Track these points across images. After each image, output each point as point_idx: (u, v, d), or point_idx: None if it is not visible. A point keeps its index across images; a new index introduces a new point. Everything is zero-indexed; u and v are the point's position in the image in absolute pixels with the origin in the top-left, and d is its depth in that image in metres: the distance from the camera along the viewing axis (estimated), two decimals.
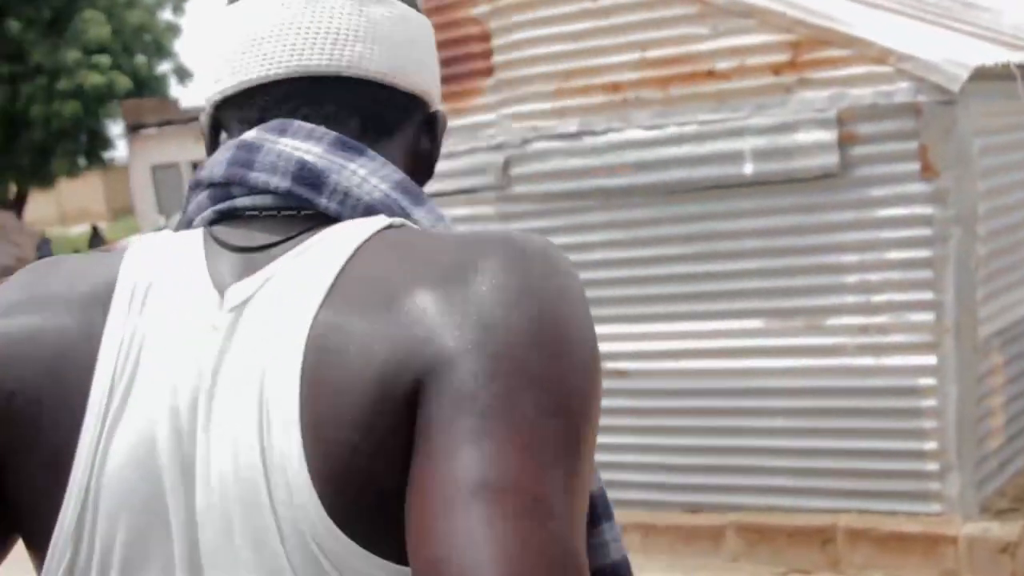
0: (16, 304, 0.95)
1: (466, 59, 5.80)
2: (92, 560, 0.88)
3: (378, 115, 1.04)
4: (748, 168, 5.15)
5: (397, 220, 0.95)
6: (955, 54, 4.81)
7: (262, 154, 0.97)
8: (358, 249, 0.89)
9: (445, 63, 5.81)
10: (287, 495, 0.82)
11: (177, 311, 0.92)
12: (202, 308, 0.91)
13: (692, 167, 5.29)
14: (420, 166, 1.10)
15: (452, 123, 5.92)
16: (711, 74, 5.22)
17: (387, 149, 1.04)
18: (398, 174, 1.00)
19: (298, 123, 0.99)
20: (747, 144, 5.14)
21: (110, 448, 0.88)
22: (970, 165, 4.81)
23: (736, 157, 5.18)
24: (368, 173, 0.98)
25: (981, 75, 4.73)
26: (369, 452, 0.82)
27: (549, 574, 0.73)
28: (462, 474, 0.76)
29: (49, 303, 0.94)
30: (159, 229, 6.04)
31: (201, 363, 0.88)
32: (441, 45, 5.26)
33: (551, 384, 0.82)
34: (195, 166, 22.96)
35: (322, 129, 0.99)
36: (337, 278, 0.87)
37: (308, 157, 0.96)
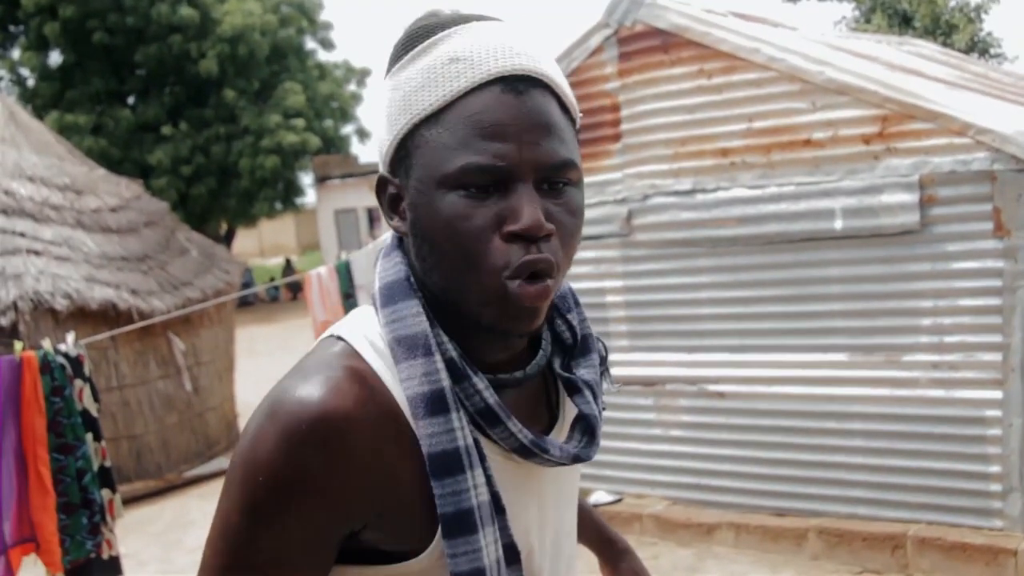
0: None
1: (599, 127, 5.77)
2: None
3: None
4: (838, 224, 4.99)
5: (345, 333, 1.05)
6: None
7: None
8: None
9: (581, 130, 5.79)
10: None
11: None
12: None
13: (789, 222, 5.16)
14: (415, 239, 1.04)
15: (585, 180, 5.90)
16: (808, 142, 5.09)
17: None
18: (388, 278, 1.06)
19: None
20: (837, 203, 4.99)
21: None
22: None
23: (828, 214, 5.03)
24: (377, 273, 1.08)
25: None
26: None
27: None
28: None
29: None
30: (341, 261, 6.12)
31: None
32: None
33: (223, 494, 1.01)
34: (370, 212, 23.48)
35: (392, 234, 1.11)
36: None
37: (380, 257, 1.11)
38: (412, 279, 1.05)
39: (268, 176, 23.18)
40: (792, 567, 5.14)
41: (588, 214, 5.83)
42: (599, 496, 5.81)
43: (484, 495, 1.00)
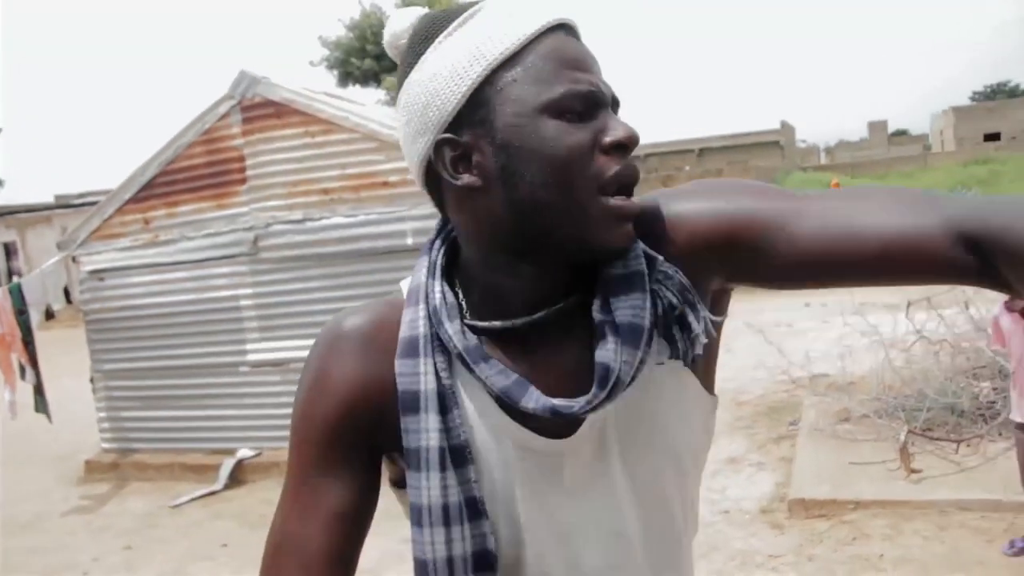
0: None
1: (228, 172, 7.55)
2: None
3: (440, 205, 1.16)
4: (409, 240, 7.19)
5: (403, 283, 1.18)
6: None
7: None
8: None
9: (214, 175, 7.58)
10: None
11: None
12: None
13: (374, 240, 7.24)
14: (502, 181, 1.04)
15: (218, 214, 7.63)
16: (385, 184, 7.26)
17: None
18: (423, 248, 1.19)
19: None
20: (408, 226, 7.18)
21: None
22: None
23: (401, 234, 7.18)
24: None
25: None
26: None
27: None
28: None
29: None
30: (14, 283, 7.25)
31: None
32: (211, 164, 7.80)
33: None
34: (7, 246, 21.46)
35: (435, 222, 1.22)
36: None
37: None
38: (436, 243, 1.17)
39: None
40: None
41: (222, 239, 7.57)
42: (243, 452, 7.51)
43: (434, 440, 1.06)
